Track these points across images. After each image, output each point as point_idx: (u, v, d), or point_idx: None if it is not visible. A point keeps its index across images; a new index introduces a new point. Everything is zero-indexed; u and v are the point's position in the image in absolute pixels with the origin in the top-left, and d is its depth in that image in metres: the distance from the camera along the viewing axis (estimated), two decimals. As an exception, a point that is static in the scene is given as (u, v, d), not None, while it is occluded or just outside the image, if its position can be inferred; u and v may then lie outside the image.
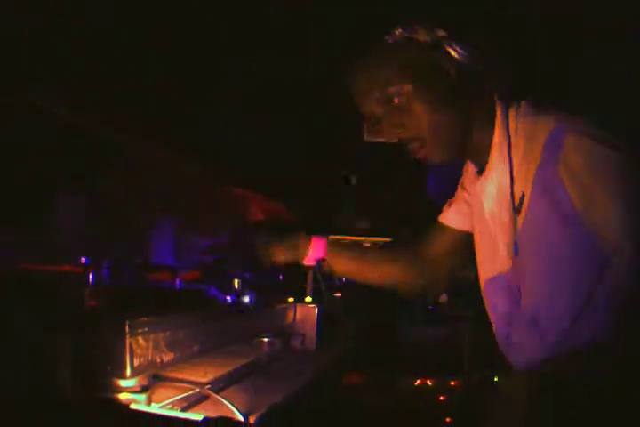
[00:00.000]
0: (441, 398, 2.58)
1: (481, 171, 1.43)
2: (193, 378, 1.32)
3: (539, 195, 1.25)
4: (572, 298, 1.24)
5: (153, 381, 1.22)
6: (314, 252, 1.69)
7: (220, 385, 1.35)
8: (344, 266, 1.74)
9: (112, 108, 1.82)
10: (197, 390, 1.25)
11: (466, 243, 1.62)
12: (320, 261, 1.69)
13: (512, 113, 1.31)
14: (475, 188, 1.47)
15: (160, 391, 1.23)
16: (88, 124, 1.85)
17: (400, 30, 1.28)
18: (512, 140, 1.29)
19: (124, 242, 2.10)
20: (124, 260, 1.66)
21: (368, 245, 2.55)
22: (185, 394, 1.24)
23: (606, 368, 1.17)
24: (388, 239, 2.51)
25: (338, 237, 2.42)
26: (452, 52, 1.26)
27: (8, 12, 1.40)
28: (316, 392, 1.59)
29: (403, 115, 1.31)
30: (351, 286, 2.51)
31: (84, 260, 1.67)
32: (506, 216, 1.35)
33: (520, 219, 1.30)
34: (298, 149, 2.95)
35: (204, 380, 1.31)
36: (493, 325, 1.47)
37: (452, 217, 1.68)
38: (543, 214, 1.25)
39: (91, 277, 1.49)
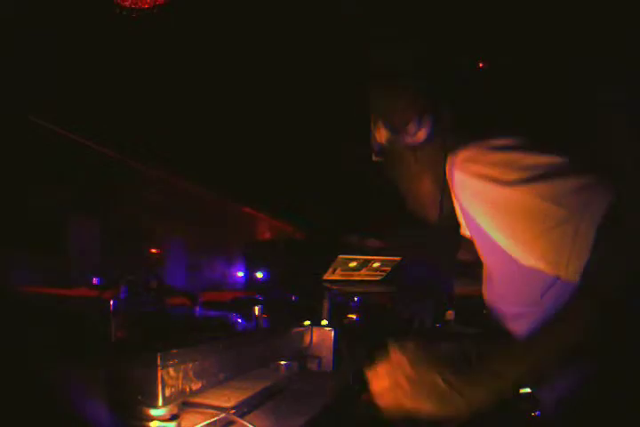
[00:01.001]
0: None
1: None
2: (217, 403, 1.35)
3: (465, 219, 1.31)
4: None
5: (181, 408, 1.26)
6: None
7: (243, 409, 1.39)
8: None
9: (127, 133, 1.86)
10: (223, 415, 1.29)
11: None
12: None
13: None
14: None
15: (187, 417, 1.27)
16: (101, 149, 1.89)
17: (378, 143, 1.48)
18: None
19: (137, 264, 2.13)
20: (140, 283, 1.69)
21: (378, 264, 2.57)
22: (211, 420, 1.27)
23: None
24: (397, 258, 2.54)
25: (348, 256, 2.45)
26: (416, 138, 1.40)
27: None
28: (336, 412, 1.62)
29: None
30: (366, 308, 2.54)
31: (95, 280, 1.71)
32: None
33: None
34: (310, 167, 2.98)
35: (229, 405, 1.35)
36: None
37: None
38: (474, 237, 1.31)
39: (112, 303, 1.51)
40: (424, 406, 1.11)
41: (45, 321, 1.29)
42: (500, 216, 1.17)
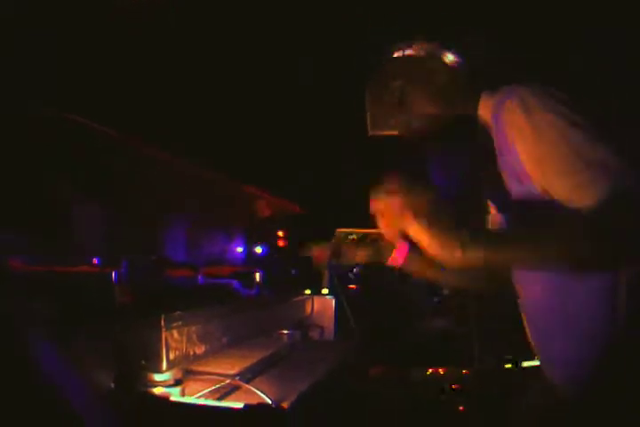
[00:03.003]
0: (453, 386, 2.61)
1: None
2: (221, 371, 1.35)
3: (500, 156, 1.31)
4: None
5: (186, 374, 1.26)
6: (397, 255, 1.77)
7: (247, 376, 1.39)
8: (420, 270, 1.80)
9: (126, 113, 1.85)
10: (228, 381, 1.29)
11: None
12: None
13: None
14: None
15: (191, 385, 1.27)
16: (100, 129, 1.88)
17: (399, 49, 1.54)
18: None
19: (138, 241, 2.13)
20: (140, 258, 1.70)
21: (374, 236, 2.58)
22: (216, 386, 1.27)
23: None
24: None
25: (346, 229, 2.45)
26: (446, 60, 1.48)
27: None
28: (337, 381, 1.63)
29: (402, 108, 1.51)
30: (366, 281, 2.55)
31: (95, 260, 1.71)
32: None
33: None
34: (310, 144, 2.98)
35: (233, 371, 1.35)
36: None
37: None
38: (512, 187, 1.30)
39: (114, 275, 1.52)
40: (422, 235, 1.16)
41: (46, 293, 1.29)
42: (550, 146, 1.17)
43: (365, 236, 2.55)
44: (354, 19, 2.27)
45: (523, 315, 1.47)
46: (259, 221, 2.86)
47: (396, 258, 1.76)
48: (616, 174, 1.08)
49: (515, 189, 1.29)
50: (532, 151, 1.20)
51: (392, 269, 1.82)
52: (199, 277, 1.70)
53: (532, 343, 1.44)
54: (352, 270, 2.49)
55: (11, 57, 1.53)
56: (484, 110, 1.42)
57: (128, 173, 2.07)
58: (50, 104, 1.69)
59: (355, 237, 2.41)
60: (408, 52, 1.54)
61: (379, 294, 2.83)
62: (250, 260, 2.67)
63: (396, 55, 1.56)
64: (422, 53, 1.52)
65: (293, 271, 2.29)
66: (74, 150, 1.83)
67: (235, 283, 1.74)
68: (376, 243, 1.85)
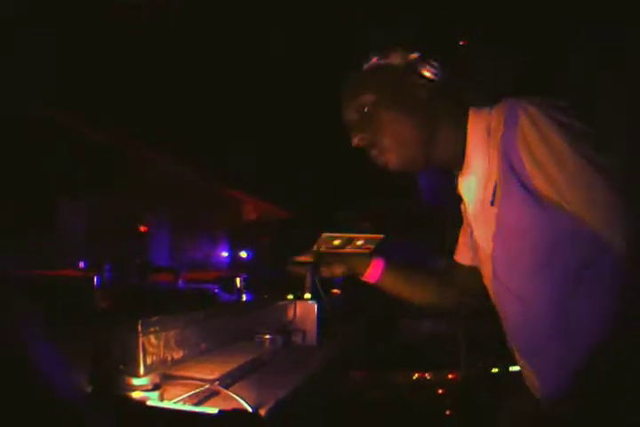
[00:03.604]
0: (440, 391, 2.60)
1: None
2: (201, 375, 1.35)
3: (506, 177, 1.23)
4: (554, 298, 1.21)
5: (164, 379, 1.25)
6: (372, 271, 1.80)
7: (227, 381, 1.38)
8: (394, 287, 1.88)
9: (111, 113, 1.85)
10: (207, 386, 1.29)
11: None
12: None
13: (485, 111, 1.35)
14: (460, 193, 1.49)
15: (170, 390, 1.26)
16: (86, 131, 1.87)
17: (375, 58, 1.43)
18: (493, 137, 1.30)
19: (123, 244, 2.13)
20: (124, 261, 1.70)
21: (361, 242, 2.58)
22: (195, 391, 1.26)
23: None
24: (380, 236, 2.54)
25: (332, 234, 2.45)
26: (425, 72, 1.37)
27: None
28: (319, 386, 1.62)
29: (369, 122, 1.41)
30: (350, 284, 2.55)
31: (82, 264, 1.71)
32: (488, 215, 1.33)
33: (494, 212, 1.29)
34: (294, 147, 2.98)
35: (213, 377, 1.35)
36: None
37: (464, 254, 1.71)
38: (513, 200, 1.22)
39: (95, 279, 1.52)
40: None
41: (29, 297, 1.29)
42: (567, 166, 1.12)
43: (351, 240, 2.55)
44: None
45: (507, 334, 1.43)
46: (244, 225, 2.86)
47: (371, 274, 1.78)
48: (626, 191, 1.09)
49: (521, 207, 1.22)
50: (546, 170, 1.14)
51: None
52: (180, 281, 1.70)
53: (517, 359, 1.41)
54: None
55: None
56: (476, 126, 1.34)
57: (113, 174, 2.07)
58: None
59: (339, 241, 2.41)
60: (383, 61, 1.43)
61: (364, 298, 2.83)
62: (235, 264, 2.66)
63: (370, 64, 1.44)
64: (400, 64, 1.40)
65: (278, 276, 2.29)
66: (56, 151, 1.82)
67: (215, 288, 1.74)
68: (353, 257, 1.86)
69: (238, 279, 1.81)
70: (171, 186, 2.43)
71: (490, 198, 1.30)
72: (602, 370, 1.15)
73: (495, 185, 1.27)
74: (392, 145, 1.39)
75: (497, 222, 1.28)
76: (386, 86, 1.40)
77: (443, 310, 1.94)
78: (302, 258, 1.89)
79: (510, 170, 1.21)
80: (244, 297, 1.94)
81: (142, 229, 2.31)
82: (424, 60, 1.38)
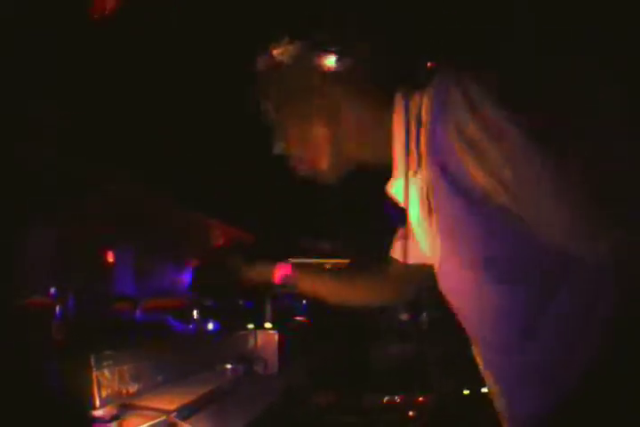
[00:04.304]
0: (410, 413, 2.61)
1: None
2: (160, 406, 1.35)
3: (437, 174, 1.01)
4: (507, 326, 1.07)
5: (121, 410, 1.26)
6: (279, 274, 1.76)
7: (185, 413, 1.39)
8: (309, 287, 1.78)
9: (83, 144, 1.85)
10: (164, 417, 1.29)
11: (427, 271, 1.52)
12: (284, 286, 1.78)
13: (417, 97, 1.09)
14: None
15: (128, 420, 1.26)
16: (51, 159, 1.88)
17: (261, 58, 1.22)
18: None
19: (86, 272, 2.12)
20: (87, 291, 1.70)
21: (329, 266, 2.61)
22: (152, 422, 1.27)
23: None
24: (346, 260, 2.58)
25: (299, 259, 2.46)
26: (323, 63, 1.15)
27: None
28: (281, 415, 1.63)
29: (277, 131, 1.26)
30: (317, 309, 2.57)
31: (52, 291, 1.70)
32: (429, 222, 1.14)
33: (434, 219, 1.09)
34: (256, 174, 2.99)
35: (171, 408, 1.35)
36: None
37: (402, 252, 1.52)
38: (448, 201, 1.01)
39: (57, 310, 1.52)
40: None
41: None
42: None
43: (320, 266, 2.58)
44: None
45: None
46: (211, 250, 2.85)
47: (280, 277, 1.75)
48: None
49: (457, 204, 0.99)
50: (495, 168, 0.90)
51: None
52: (137, 311, 1.70)
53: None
54: (300, 301, 2.51)
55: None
56: (401, 117, 1.10)
57: (75, 200, 2.06)
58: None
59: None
60: (269, 60, 1.21)
61: (331, 324, 2.84)
62: (201, 291, 2.65)
63: (258, 67, 1.23)
64: (287, 59, 1.18)
65: (243, 303, 2.30)
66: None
67: (171, 319, 1.75)
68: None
69: (195, 311, 1.81)
70: (134, 212, 2.43)
71: (427, 203, 1.10)
72: (573, 391, 1.03)
73: (427, 188, 1.07)
74: (304, 152, 1.23)
75: (440, 230, 1.09)
76: (275, 89, 1.23)
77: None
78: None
79: (441, 165, 0.99)
80: (211, 326, 1.94)
81: (108, 257, 2.31)
82: (316, 46, 1.16)
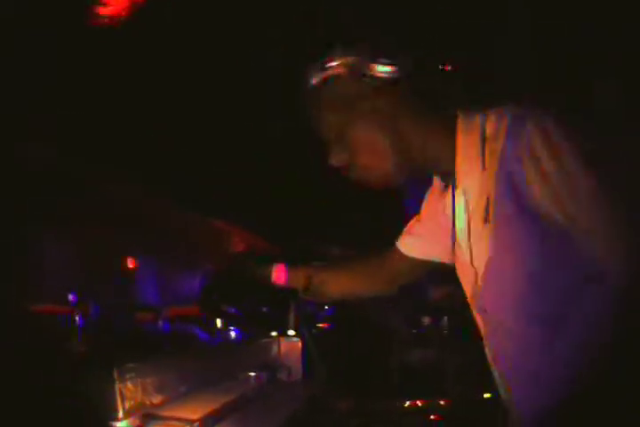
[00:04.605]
0: (432, 417, 2.60)
1: (446, 187, 1.36)
2: (184, 415, 1.35)
3: (503, 193, 1.11)
4: (540, 329, 1.14)
5: (145, 420, 1.26)
6: (278, 275, 1.78)
7: (210, 422, 1.39)
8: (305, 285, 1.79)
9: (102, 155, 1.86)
10: (188, 427, 1.29)
11: (424, 267, 1.65)
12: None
13: (481, 118, 1.20)
14: (440, 206, 1.41)
15: (153, 431, 1.27)
16: (74, 168, 1.88)
17: (316, 71, 1.27)
18: (488, 147, 1.17)
19: (109, 284, 2.13)
20: (111, 302, 1.70)
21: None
22: (178, 432, 1.27)
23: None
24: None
25: (317, 263, 2.46)
26: (375, 73, 1.21)
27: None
28: (305, 421, 1.62)
29: (341, 145, 1.30)
30: (341, 315, 2.56)
31: (72, 297, 1.70)
32: (482, 232, 1.20)
33: (488, 230, 1.17)
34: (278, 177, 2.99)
35: (195, 417, 1.35)
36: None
37: (411, 245, 1.63)
38: (509, 218, 1.11)
39: (78, 319, 1.52)
40: None
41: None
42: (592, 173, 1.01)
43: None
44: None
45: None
46: (232, 257, 2.86)
47: (278, 277, 1.76)
48: None
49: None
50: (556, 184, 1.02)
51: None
52: (160, 321, 1.71)
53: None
54: (324, 308, 2.50)
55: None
56: (467, 133, 1.20)
57: (97, 210, 2.07)
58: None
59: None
60: (323, 74, 1.25)
61: (354, 329, 2.84)
62: (221, 298, 2.65)
63: (313, 81, 1.28)
64: (342, 71, 1.23)
65: (265, 309, 2.29)
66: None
67: (195, 328, 1.75)
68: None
69: (219, 321, 1.81)
70: (156, 221, 2.44)
71: (483, 215, 1.18)
72: (588, 398, 1.10)
73: (488, 200, 1.15)
74: (368, 162, 1.28)
75: (491, 243, 1.17)
76: (338, 102, 1.26)
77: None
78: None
79: (509, 185, 1.09)
80: (233, 335, 1.94)
81: (130, 264, 2.31)
82: (371, 59, 1.21)
